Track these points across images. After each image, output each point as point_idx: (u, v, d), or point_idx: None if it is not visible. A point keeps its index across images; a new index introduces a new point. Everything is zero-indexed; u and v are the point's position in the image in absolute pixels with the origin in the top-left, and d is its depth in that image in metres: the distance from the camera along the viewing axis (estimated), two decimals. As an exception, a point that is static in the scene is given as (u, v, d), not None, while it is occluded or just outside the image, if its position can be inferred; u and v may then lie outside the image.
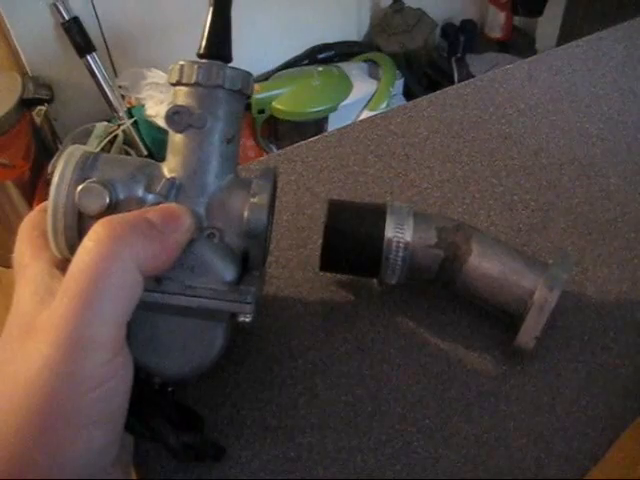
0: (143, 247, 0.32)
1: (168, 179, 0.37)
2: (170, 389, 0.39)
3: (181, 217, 0.34)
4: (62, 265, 0.34)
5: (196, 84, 0.37)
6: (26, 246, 0.36)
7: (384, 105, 2.02)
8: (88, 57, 1.69)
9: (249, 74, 0.39)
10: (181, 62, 0.37)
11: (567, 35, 2.20)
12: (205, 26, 0.38)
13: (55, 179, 0.35)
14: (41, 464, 0.29)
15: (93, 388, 0.30)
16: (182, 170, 0.37)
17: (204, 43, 0.38)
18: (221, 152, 0.38)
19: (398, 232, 0.44)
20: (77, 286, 0.30)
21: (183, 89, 0.37)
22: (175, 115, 0.37)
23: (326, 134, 0.64)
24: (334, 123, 1.99)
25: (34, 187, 1.66)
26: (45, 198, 0.36)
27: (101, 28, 1.72)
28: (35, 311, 0.31)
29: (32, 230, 0.37)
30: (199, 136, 0.37)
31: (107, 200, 0.35)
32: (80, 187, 0.35)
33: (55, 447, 0.30)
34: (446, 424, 0.43)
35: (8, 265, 0.38)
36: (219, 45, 0.38)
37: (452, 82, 2.14)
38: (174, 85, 0.38)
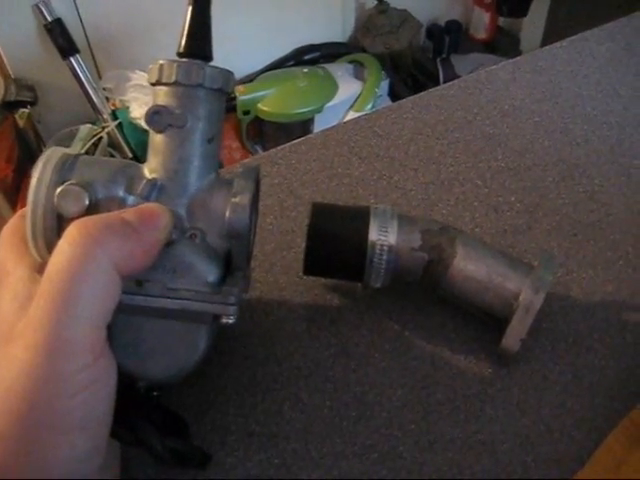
0: (119, 246, 0.31)
1: (149, 180, 0.36)
2: (155, 393, 0.38)
3: (158, 215, 0.34)
4: (43, 270, 0.33)
5: (176, 83, 0.36)
6: (7, 252, 0.36)
7: (370, 106, 2.02)
8: (71, 59, 1.68)
9: (230, 72, 0.38)
10: (160, 61, 0.37)
11: (551, 36, 2.21)
12: (184, 24, 0.38)
13: (33, 181, 0.35)
14: (24, 470, 0.29)
15: (74, 393, 0.29)
16: (163, 170, 0.37)
17: (184, 42, 0.37)
18: (202, 151, 0.37)
19: (382, 235, 0.44)
20: (53, 288, 0.29)
21: (163, 89, 0.37)
22: (155, 115, 0.36)
23: (310, 136, 0.64)
24: (320, 124, 1.99)
25: (18, 190, 1.64)
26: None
27: (84, 30, 1.71)
28: (15, 317, 0.31)
29: (12, 236, 0.36)
30: (180, 136, 0.37)
31: (86, 202, 0.34)
32: (59, 189, 0.34)
33: (37, 453, 0.29)
34: (432, 428, 0.43)
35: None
36: (199, 44, 0.38)
37: (437, 83, 2.14)
38: (154, 85, 0.37)
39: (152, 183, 0.36)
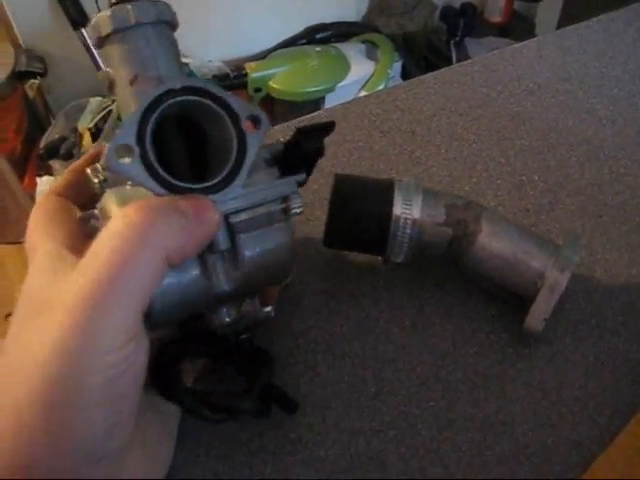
0: (174, 236, 0.30)
1: None
2: (245, 336, 0.39)
3: (211, 210, 0.32)
4: (72, 245, 0.33)
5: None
6: (35, 229, 0.36)
7: (382, 87, 2.00)
8: (83, 30, 1.66)
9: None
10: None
11: (567, 21, 2.18)
12: None
13: None
14: (42, 442, 0.28)
15: (96, 371, 0.28)
16: None
17: None
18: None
19: (406, 209, 0.43)
20: (100, 270, 0.28)
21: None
22: None
23: (330, 108, 0.63)
24: (331, 104, 1.95)
25: (26, 161, 1.63)
26: (37, 173, 0.34)
27: (96, 0, 1.69)
28: (44, 291, 0.31)
29: (41, 214, 0.37)
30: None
31: None
32: None
33: (55, 426, 0.28)
34: (451, 406, 0.42)
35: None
36: None
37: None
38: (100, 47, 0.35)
39: None
